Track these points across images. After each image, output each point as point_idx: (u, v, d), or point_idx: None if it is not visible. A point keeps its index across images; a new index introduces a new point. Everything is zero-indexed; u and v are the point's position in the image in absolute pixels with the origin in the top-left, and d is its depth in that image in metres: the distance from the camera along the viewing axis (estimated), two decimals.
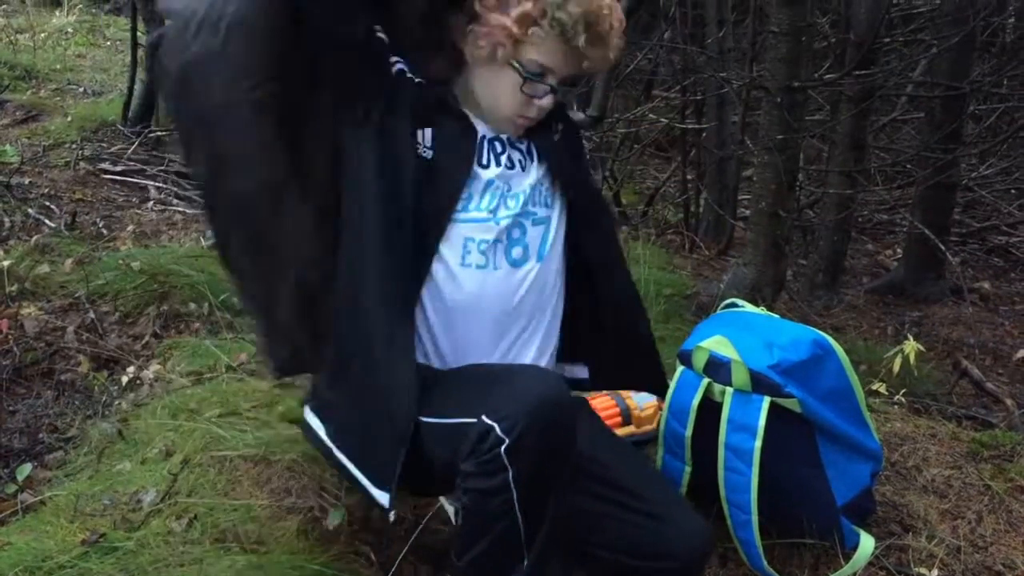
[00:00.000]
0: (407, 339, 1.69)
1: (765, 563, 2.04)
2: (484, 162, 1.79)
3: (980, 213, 6.87)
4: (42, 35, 9.88)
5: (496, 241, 1.77)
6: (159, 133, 6.45)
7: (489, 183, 1.78)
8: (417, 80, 1.74)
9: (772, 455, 2.00)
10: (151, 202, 5.29)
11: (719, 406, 2.05)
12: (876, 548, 2.15)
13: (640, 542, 1.76)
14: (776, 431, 2.00)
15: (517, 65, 1.72)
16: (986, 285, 5.59)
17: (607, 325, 1.96)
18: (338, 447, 1.78)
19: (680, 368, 2.19)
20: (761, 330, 2.13)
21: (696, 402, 2.10)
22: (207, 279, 3.63)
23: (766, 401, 1.99)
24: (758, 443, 1.98)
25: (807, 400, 2.02)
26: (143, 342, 3.30)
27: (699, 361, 2.12)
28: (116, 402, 2.84)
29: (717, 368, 2.08)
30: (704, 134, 5.81)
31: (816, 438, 2.07)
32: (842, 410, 2.10)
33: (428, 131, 1.73)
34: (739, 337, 2.09)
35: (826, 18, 6.11)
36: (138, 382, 2.92)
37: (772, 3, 3.77)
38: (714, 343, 2.10)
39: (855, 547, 2.12)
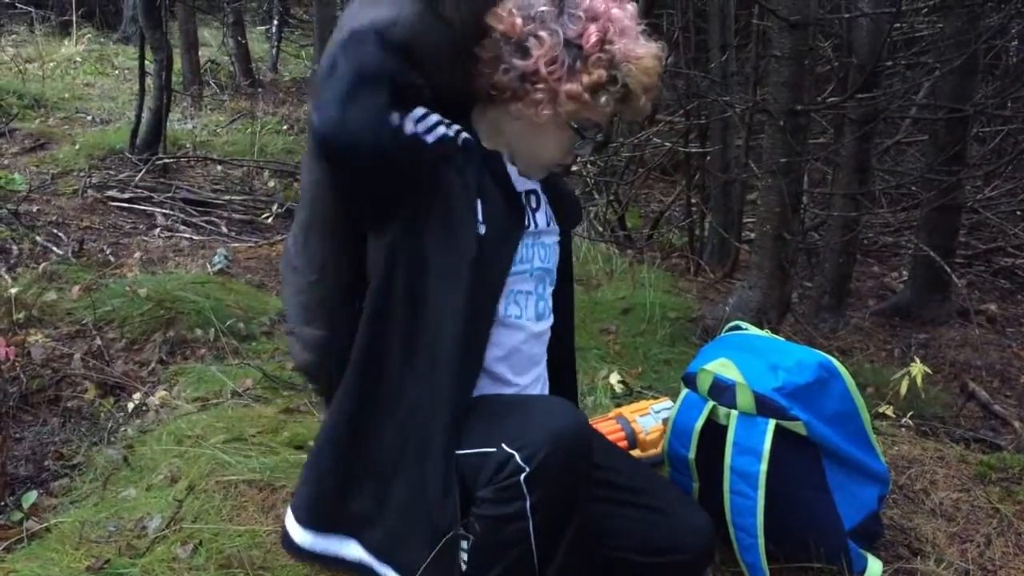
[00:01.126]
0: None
1: None
2: (527, 222, 1.81)
3: (986, 235, 6.86)
4: (51, 64, 9.97)
5: (529, 293, 1.81)
6: (166, 161, 6.50)
7: (528, 237, 1.81)
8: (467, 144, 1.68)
9: (778, 478, 1.99)
10: (158, 229, 5.32)
11: (724, 429, 2.04)
12: (884, 572, 2.13)
13: (650, 538, 1.78)
14: (782, 454, 1.99)
15: (576, 125, 1.72)
16: (993, 307, 5.58)
17: (556, 339, 1.97)
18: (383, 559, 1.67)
19: (684, 391, 2.18)
20: (766, 352, 2.13)
21: (700, 424, 2.09)
22: (213, 305, 3.65)
23: (771, 424, 1.98)
24: (763, 466, 1.97)
25: (813, 423, 2.01)
26: (149, 368, 3.31)
27: (703, 384, 2.12)
28: (122, 428, 2.84)
29: (721, 391, 2.07)
30: (708, 158, 5.83)
31: (822, 461, 2.06)
32: (848, 432, 2.09)
33: (478, 203, 1.69)
34: (744, 360, 2.09)
35: (828, 42, 6.14)
36: (144, 408, 2.93)
37: (774, 28, 3.79)
38: (718, 366, 2.10)
39: (863, 572, 2.11)
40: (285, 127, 8.91)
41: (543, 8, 1.63)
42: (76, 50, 11.07)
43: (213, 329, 3.52)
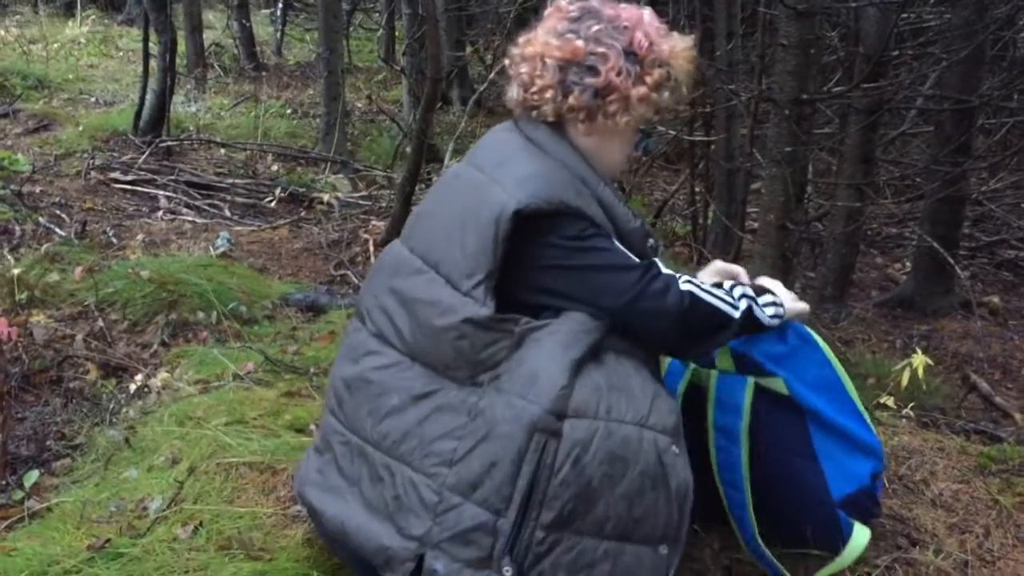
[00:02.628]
0: None
1: (760, 542, 2.04)
2: None
3: (990, 227, 6.85)
4: (55, 45, 9.96)
5: None
6: (169, 143, 6.50)
7: None
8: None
9: (764, 443, 2.01)
10: (161, 211, 5.32)
11: (705, 391, 2.07)
12: (884, 562, 2.14)
13: None
14: (766, 415, 2.02)
15: (643, 125, 1.87)
16: (995, 299, 5.57)
17: None
18: None
19: (666, 359, 2.20)
20: None
21: (682, 388, 2.12)
22: (215, 288, 3.65)
23: (750, 381, 2.02)
24: (744, 422, 2.00)
25: (793, 382, 2.03)
26: (151, 350, 3.32)
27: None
28: (123, 410, 2.85)
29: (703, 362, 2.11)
30: (713, 146, 5.81)
31: (809, 427, 2.08)
32: (832, 400, 2.11)
33: None
34: None
35: (835, 31, 6.12)
36: (146, 390, 2.93)
37: (781, 16, 3.77)
38: None
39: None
40: (289, 111, 8.91)
41: (595, 27, 1.76)
42: (80, 31, 11.06)
43: (215, 312, 3.52)
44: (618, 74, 1.75)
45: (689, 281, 1.76)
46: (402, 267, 1.78)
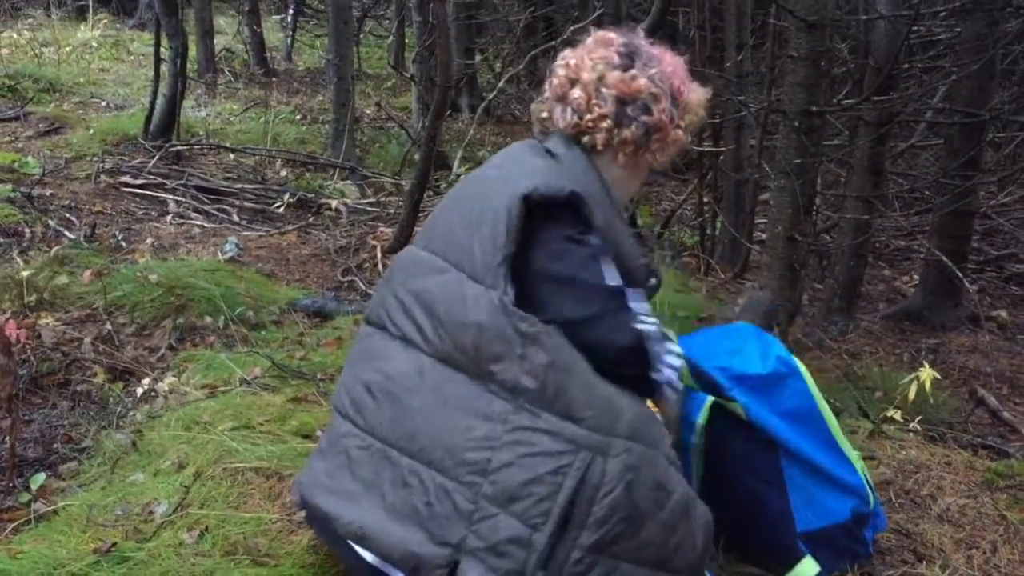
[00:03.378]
0: None
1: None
2: None
3: (998, 241, 6.83)
4: (67, 49, 10.01)
5: None
6: (179, 148, 6.52)
7: None
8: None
9: (726, 461, 2.05)
10: (170, 215, 5.33)
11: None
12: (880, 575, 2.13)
13: None
14: (732, 438, 2.04)
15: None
16: (1003, 313, 5.55)
17: None
18: None
19: None
20: (741, 339, 2.17)
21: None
22: (223, 292, 3.66)
23: (708, 400, 2.04)
24: (697, 439, 2.03)
25: (757, 409, 2.03)
26: (159, 354, 3.32)
27: None
28: (131, 413, 2.85)
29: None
30: (721, 157, 5.81)
31: (780, 456, 2.08)
32: (809, 433, 2.10)
33: None
34: (708, 341, 2.17)
35: (845, 44, 6.12)
36: (153, 394, 2.94)
37: (791, 28, 3.77)
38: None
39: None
40: (298, 116, 8.93)
41: (653, 69, 1.86)
42: (92, 35, 11.10)
43: (223, 316, 3.53)
44: (667, 116, 1.86)
45: (643, 322, 1.77)
46: (421, 268, 1.79)
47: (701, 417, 2.03)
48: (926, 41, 6.21)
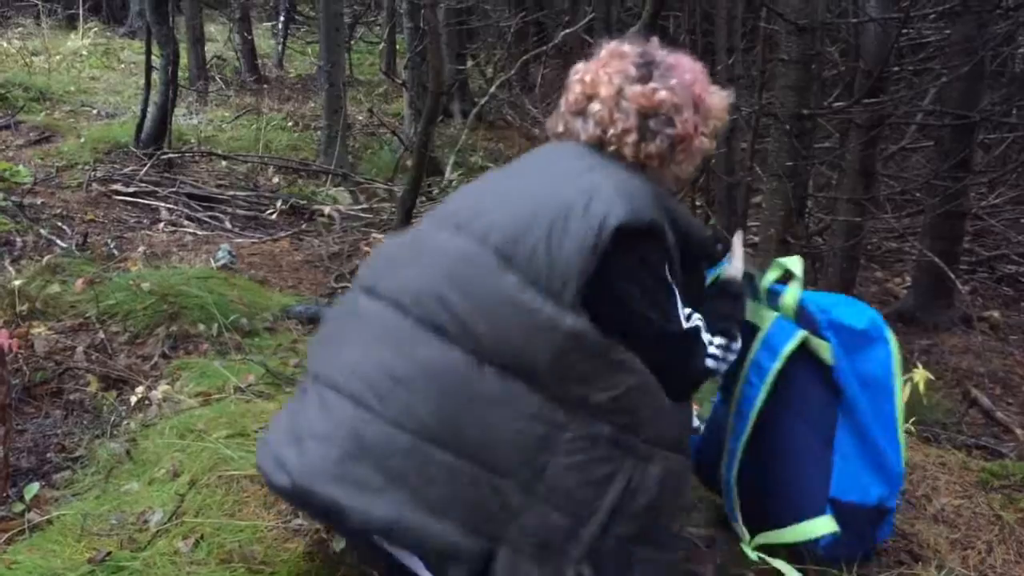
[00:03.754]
0: None
1: (738, 511, 2.11)
2: None
3: (990, 242, 6.86)
4: (57, 57, 9.99)
5: None
6: (171, 155, 6.51)
7: None
8: None
9: (785, 401, 2.03)
10: (162, 223, 5.33)
11: (758, 329, 2.09)
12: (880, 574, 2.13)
13: None
14: (801, 380, 2.02)
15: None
16: (996, 314, 5.57)
17: None
18: None
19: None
20: (838, 299, 2.17)
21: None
22: (216, 300, 3.65)
23: (800, 334, 2.02)
24: (776, 365, 2.01)
25: (842, 357, 2.02)
26: (152, 362, 3.32)
27: (769, 277, 2.20)
28: (124, 422, 2.84)
29: (774, 295, 2.15)
30: (713, 160, 5.82)
31: (838, 415, 2.06)
32: (875, 404, 2.08)
33: None
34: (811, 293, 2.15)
35: (835, 47, 6.14)
36: (146, 402, 2.93)
37: (782, 31, 3.79)
38: (792, 262, 2.17)
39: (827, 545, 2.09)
40: (290, 123, 8.93)
41: (673, 80, 1.82)
42: (82, 44, 11.09)
43: (216, 324, 3.52)
44: (690, 126, 1.83)
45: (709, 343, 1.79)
46: (470, 261, 1.68)
47: (788, 347, 2.01)
48: (916, 43, 6.23)
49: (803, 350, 2.03)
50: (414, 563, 1.68)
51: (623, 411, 1.64)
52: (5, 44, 10.14)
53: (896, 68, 5.35)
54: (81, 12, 12.10)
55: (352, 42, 11.41)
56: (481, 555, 1.58)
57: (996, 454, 3.23)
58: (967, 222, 5.73)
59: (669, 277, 1.73)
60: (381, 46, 11.54)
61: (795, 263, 2.15)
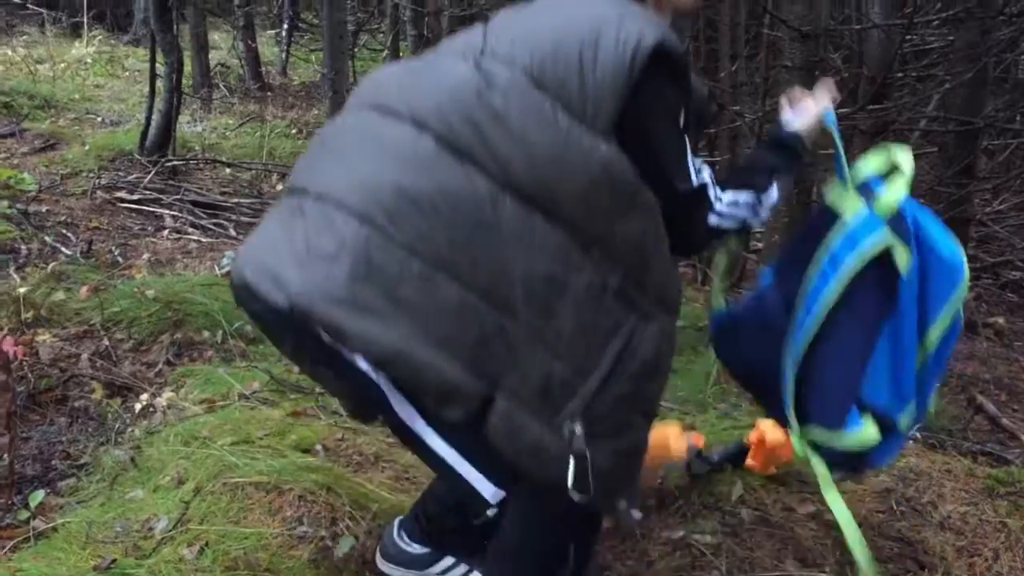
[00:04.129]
0: None
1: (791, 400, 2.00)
2: None
3: (994, 248, 6.84)
4: (62, 65, 10.02)
5: None
6: (175, 163, 6.52)
7: None
8: None
9: (850, 297, 1.91)
10: (166, 230, 5.33)
11: (839, 216, 1.96)
12: None
13: None
14: (870, 281, 1.91)
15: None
16: (1001, 320, 5.56)
17: None
18: None
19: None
20: (934, 218, 2.05)
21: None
22: (221, 307, 3.65)
23: (887, 237, 1.90)
24: (856, 264, 1.89)
25: (915, 272, 1.93)
26: (156, 370, 3.32)
27: (870, 166, 2.03)
28: (129, 429, 2.85)
29: (868, 190, 1.98)
30: (717, 167, 5.82)
31: (885, 325, 1.97)
32: (918, 328, 1.98)
33: None
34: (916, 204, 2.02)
35: (839, 53, 6.15)
36: (151, 409, 2.93)
37: (785, 38, 3.79)
38: (899, 152, 2.01)
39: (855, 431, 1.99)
40: (294, 131, 8.94)
41: None
42: (87, 51, 11.12)
43: (221, 331, 3.53)
44: None
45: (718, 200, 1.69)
46: (496, 84, 1.56)
47: (872, 249, 1.88)
48: (919, 50, 6.23)
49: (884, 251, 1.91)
50: (386, 387, 1.62)
51: (637, 259, 1.59)
52: (10, 52, 10.17)
53: (900, 74, 5.35)
54: (86, 20, 12.13)
55: (356, 49, 11.41)
56: (480, 398, 1.53)
57: (1002, 461, 3.21)
58: (971, 228, 5.72)
59: (682, 121, 1.65)
60: (384, 54, 11.54)
61: (905, 156, 1.99)
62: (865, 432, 1.96)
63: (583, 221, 1.54)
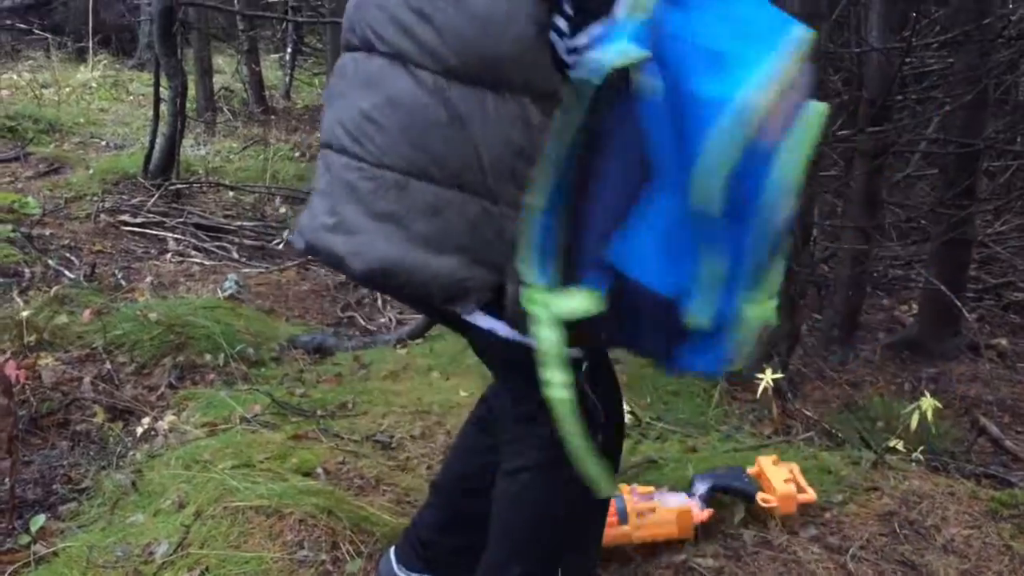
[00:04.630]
0: None
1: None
2: None
3: (996, 269, 6.85)
4: (66, 89, 10.08)
5: None
6: (179, 186, 6.55)
7: None
8: None
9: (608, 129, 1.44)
10: (169, 254, 5.35)
11: None
12: None
13: None
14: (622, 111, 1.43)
15: None
16: (1003, 342, 5.55)
17: None
18: None
19: None
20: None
21: None
22: (223, 330, 3.66)
23: (627, 51, 1.37)
24: (594, 80, 1.42)
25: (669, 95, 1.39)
26: (158, 393, 3.32)
27: None
28: (130, 453, 2.84)
29: None
30: None
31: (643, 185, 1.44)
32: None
33: None
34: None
35: (838, 75, 6.17)
36: (152, 433, 2.93)
37: None
38: None
39: None
40: (297, 154, 8.98)
41: None
42: (92, 76, 11.19)
43: (223, 354, 3.53)
44: None
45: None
46: None
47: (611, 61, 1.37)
48: (919, 72, 6.26)
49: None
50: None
51: None
52: (16, 77, 10.24)
53: (899, 97, 5.38)
54: (91, 45, 12.21)
55: None
56: (488, 286, 1.53)
57: (1005, 483, 3.20)
58: (973, 250, 5.73)
59: None
60: None
61: None
62: (574, 298, 1.44)
63: (532, 83, 1.50)
